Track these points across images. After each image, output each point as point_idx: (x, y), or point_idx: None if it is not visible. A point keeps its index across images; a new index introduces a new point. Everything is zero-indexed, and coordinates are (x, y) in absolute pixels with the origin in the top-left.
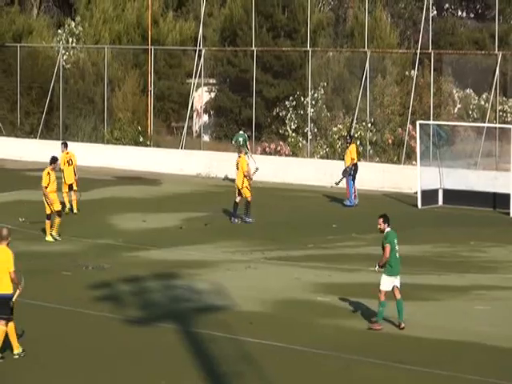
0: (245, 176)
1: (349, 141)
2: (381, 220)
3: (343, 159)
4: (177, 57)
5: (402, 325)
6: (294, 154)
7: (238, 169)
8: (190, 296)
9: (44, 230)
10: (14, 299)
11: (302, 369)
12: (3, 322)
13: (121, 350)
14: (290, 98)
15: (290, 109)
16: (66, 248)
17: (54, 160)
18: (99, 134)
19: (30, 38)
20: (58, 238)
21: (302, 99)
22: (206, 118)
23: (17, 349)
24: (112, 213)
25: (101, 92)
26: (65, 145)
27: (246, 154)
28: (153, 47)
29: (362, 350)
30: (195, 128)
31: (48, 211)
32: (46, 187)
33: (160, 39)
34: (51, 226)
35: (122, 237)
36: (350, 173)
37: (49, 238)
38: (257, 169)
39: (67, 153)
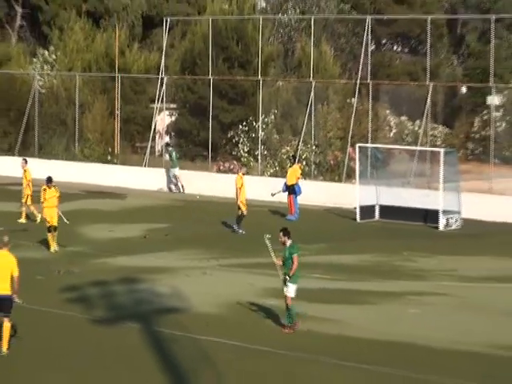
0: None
1: (292, 161)
2: (281, 234)
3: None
4: (141, 84)
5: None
6: (246, 173)
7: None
8: (152, 299)
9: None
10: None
11: (252, 365)
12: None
13: (90, 347)
14: (243, 122)
15: (243, 132)
16: (39, 255)
17: (49, 179)
18: (71, 152)
19: (8, 65)
20: (56, 249)
21: (254, 123)
22: (167, 138)
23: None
24: (81, 223)
25: (72, 115)
26: (25, 161)
27: (174, 167)
28: (119, 75)
29: (306, 349)
30: (157, 148)
31: (47, 225)
32: (43, 203)
33: (126, 68)
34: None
35: (90, 245)
36: (289, 190)
37: (52, 248)
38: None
39: (25, 170)
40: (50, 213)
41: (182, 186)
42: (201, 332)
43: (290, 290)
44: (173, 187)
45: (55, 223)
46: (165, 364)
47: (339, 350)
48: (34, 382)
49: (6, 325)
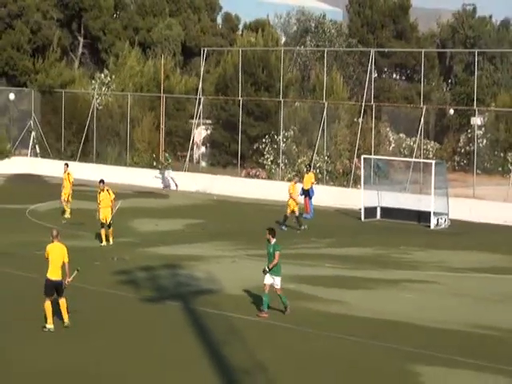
0: (291, 198)
1: (308, 169)
2: (267, 232)
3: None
4: (182, 103)
5: (288, 310)
6: (270, 178)
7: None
8: (190, 282)
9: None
10: (67, 282)
11: (274, 338)
12: (49, 299)
13: (137, 322)
14: (267, 136)
15: (267, 144)
16: (96, 244)
17: (101, 181)
18: (122, 159)
19: (71, 86)
20: (104, 244)
21: (276, 137)
22: (203, 149)
23: (51, 324)
24: (132, 218)
25: (124, 128)
26: (66, 165)
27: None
28: (164, 95)
29: (319, 326)
30: (195, 156)
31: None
32: (99, 203)
33: (170, 89)
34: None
35: (139, 237)
36: (305, 193)
37: (103, 242)
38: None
39: (68, 173)
40: (104, 212)
41: (176, 185)
42: (231, 310)
43: (277, 282)
44: (172, 185)
45: (108, 221)
46: (200, 337)
47: (345, 326)
48: (91, 347)
49: (62, 301)
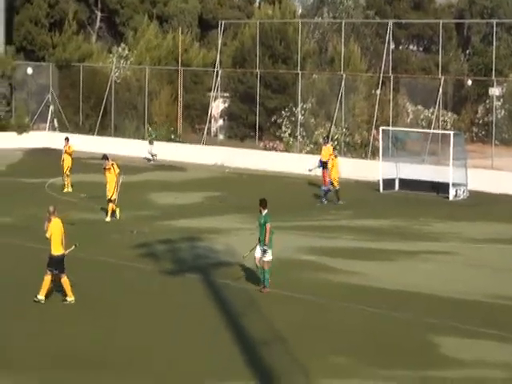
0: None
1: (326, 141)
2: (259, 203)
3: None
4: (200, 76)
5: (265, 290)
6: (287, 151)
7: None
8: (208, 254)
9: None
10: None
11: (292, 310)
12: (50, 273)
13: (158, 294)
14: (285, 108)
15: (285, 117)
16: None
17: (105, 157)
18: (140, 132)
19: (89, 60)
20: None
21: (294, 109)
22: (220, 122)
23: (70, 297)
24: (150, 191)
25: (142, 101)
26: (67, 139)
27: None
28: (182, 68)
29: (339, 297)
30: (213, 129)
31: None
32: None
33: (188, 63)
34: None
35: (157, 210)
36: (323, 165)
37: (107, 219)
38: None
39: (69, 146)
40: (108, 187)
41: (153, 156)
42: (250, 282)
43: (268, 255)
44: (151, 157)
45: (108, 197)
46: (219, 309)
47: (366, 298)
48: (114, 320)
49: (64, 279)
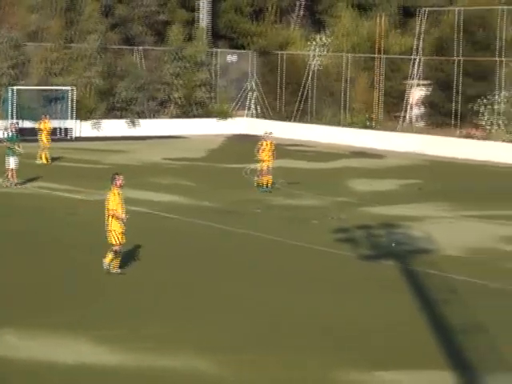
0: None
1: None
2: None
3: None
4: (397, 63)
5: None
6: (487, 139)
7: None
8: (406, 241)
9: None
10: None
11: (494, 303)
12: None
13: (355, 279)
14: (485, 96)
15: (485, 104)
16: (313, 203)
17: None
18: (337, 118)
19: (289, 47)
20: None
21: (494, 97)
22: (417, 109)
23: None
24: (347, 178)
25: (340, 88)
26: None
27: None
28: (382, 57)
29: None
30: (408, 116)
31: None
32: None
33: (386, 50)
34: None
35: (354, 196)
36: None
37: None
38: None
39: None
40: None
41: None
42: (449, 271)
43: None
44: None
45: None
46: (414, 295)
47: None
48: (314, 301)
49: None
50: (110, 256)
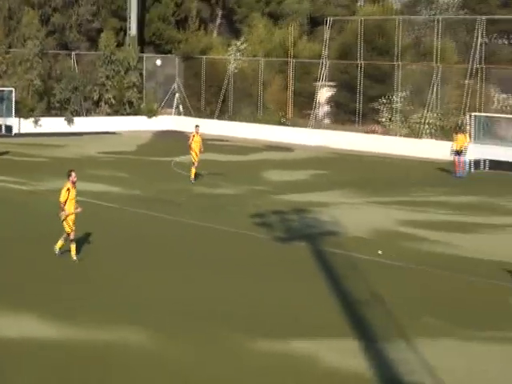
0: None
1: (460, 130)
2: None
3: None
4: (307, 67)
5: None
6: (385, 134)
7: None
8: (313, 224)
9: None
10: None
11: (391, 276)
12: None
13: (268, 259)
14: (384, 96)
15: (383, 104)
16: (232, 191)
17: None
18: (254, 117)
19: (210, 52)
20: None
21: (392, 97)
22: (325, 108)
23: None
24: (262, 169)
25: (256, 89)
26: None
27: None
28: (292, 60)
29: (433, 265)
30: (319, 115)
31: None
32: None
33: (297, 55)
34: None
35: (269, 185)
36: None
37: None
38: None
39: None
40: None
41: None
42: (353, 250)
43: None
44: None
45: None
46: (322, 272)
47: (458, 266)
48: (231, 281)
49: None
50: (60, 242)
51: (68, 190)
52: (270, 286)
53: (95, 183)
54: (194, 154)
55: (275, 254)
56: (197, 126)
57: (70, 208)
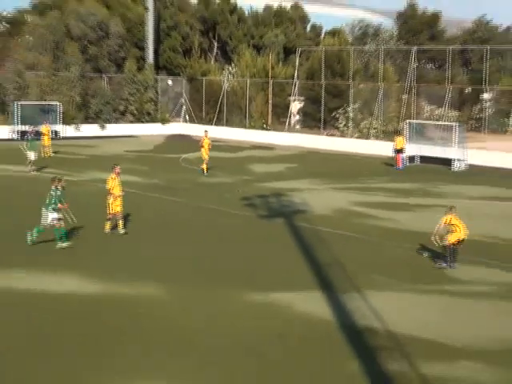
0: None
1: (398, 133)
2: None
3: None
4: (283, 85)
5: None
6: (342, 136)
7: None
8: (288, 205)
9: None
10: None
11: (348, 244)
12: None
13: (255, 232)
14: (341, 108)
15: (340, 114)
16: (224, 180)
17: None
18: (242, 123)
19: (209, 75)
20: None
21: (347, 109)
22: (297, 117)
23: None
24: (249, 163)
25: (244, 102)
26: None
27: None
28: (271, 80)
29: (380, 236)
30: (292, 122)
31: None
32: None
33: (275, 76)
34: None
35: (254, 175)
36: (396, 152)
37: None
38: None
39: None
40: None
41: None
42: (318, 225)
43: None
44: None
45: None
46: (295, 242)
47: (399, 237)
48: (225, 248)
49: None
50: (107, 224)
51: (113, 178)
52: (255, 251)
53: (122, 174)
54: (204, 152)
55: (259, 228)
56: (206, 131)
57: (117, 191)
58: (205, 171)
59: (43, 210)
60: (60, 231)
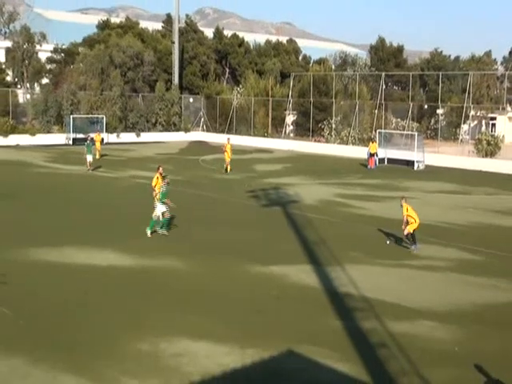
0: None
1: (373, 140)
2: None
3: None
4: (279, 102)
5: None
6: (327, 142)
7: None
8: (284, 196)
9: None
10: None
11: (331, 227)
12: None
13: (258, 217)
14: (326, 119)
15: (325, 124)
16: (234, 177)
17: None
18: (248, 132)
19: (221, 94)
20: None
21: (330, 120)
22: (291, 127)
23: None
24: (253, 164)
25: (249, 116)
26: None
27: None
28: (271, 99)
29: (355, 221)
30: (286, 131)
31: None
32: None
33: (273, 95)
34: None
35: (257, 173)
36: (370, 155)
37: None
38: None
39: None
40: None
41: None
42: (308, 212)
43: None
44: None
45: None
46: (289, 225)
47: (372, 222)
48: (233, 231)
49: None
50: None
51: (157, 178)
52: (258, 233)
53: (153, 172)
54: (227, 156)
55: (262, 215)
56: (228, 138)
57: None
58: (228, 170)
59: (155, 203)
60: (165, 220)
